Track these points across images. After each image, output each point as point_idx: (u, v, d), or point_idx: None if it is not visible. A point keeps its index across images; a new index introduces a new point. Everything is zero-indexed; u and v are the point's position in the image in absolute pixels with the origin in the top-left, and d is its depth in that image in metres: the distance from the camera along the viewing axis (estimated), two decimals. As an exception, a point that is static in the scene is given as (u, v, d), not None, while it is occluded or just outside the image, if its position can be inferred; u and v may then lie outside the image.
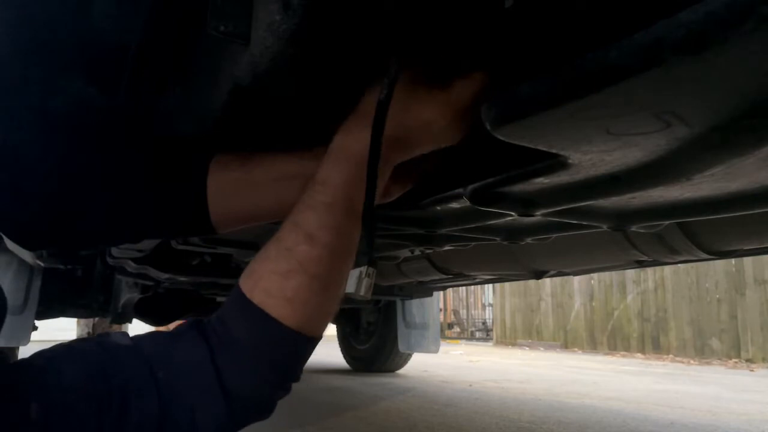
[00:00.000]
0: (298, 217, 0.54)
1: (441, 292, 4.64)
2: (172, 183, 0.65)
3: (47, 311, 2.77)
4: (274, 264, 0.53)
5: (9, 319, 2.44)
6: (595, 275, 6.95)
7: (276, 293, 0.52)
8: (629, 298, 6.64)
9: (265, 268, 0.53)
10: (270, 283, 0.52)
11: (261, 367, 0.52)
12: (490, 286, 9.39)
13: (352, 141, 0.55)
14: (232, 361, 0.52)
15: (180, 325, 0.55)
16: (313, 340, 0.55)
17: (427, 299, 3.12)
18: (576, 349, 7.17)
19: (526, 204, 0.69)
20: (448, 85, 0.55)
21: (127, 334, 0.55)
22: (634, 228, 0.79)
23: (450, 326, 10.45)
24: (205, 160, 0.65)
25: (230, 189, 0.65)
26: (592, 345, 7.06)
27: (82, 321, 4.54)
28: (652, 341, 6.31)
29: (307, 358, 0.57)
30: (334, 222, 0.53)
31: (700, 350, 5.79)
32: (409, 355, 3.61)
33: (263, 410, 0.55)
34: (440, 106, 0.55)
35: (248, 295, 0.52)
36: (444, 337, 8.91)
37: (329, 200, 0.53)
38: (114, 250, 1.60)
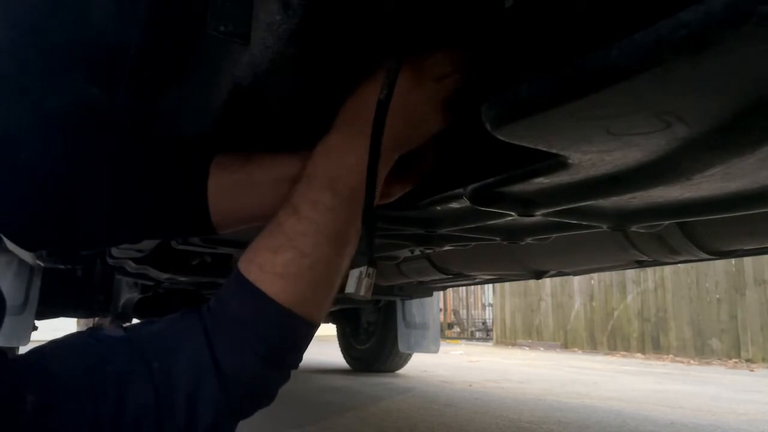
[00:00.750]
0: (290, 193, 0.56)
1: (441, 292, 4.64)
2: (173, 184, 0.65)
3: (47, 311, 2.77)
4: (266, 239, 0.54)
5: (9, 319, 2.44)
6: (595, 275, 6.95)
7: (268, 269, 0.52)
8: (629, 298, 6.64)
9: (259, 244, 0.54)
10: (263, 258, 0.53)
11: (252, 342, 0.52)
12: (490, 286, 9.39)
13: (340, 136, 0.57)
14: (225, 336, 0.51)
15: (178, 312, 0.55)
16: (309, 324, 0.55)
17: (427, 299, 3.12)
18: (576, 349, 7.17)
19: (526, 204, 0.69)
20: (434, 75, 0.56)
21: (120, 326, 0.54)
22: (634, 228, 0.79)
23: (450, 326, 10.45)
24: (205, 161, 0.65)
25: (231, 190, 0.65)
26: (592, 345, 7.07)
27: (82, 321, 4.54)
28: (652, 341, 6.31)
29: (304, 344, 0.56)
30: (314, 196, 0.54)
31: (700, 350, 5.79)
32: (409, 355, 3.61)
33: (259, 393, 0.55)
34: (428, 95, 0.57)
35: (244, 273, 0.53)
36: (444, 337, 8.91)
37: (309, 171, 0.55)
38: (114, 250, 1.60)
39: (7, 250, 2.37)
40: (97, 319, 3.97)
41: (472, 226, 0.91)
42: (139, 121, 0.81)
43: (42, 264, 2.27)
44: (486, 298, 10.17)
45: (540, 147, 0.48)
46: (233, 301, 0.53)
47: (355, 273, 0.55)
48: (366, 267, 0.54)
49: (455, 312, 10.67)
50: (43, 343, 0.52)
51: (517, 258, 1.43)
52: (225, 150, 0.67)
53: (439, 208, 0.82)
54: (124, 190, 0.65)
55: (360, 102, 0.57)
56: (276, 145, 0.68)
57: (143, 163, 0.66)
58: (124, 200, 0.65)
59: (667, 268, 6.04)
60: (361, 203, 0.54)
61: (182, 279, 1.90)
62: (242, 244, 1.32)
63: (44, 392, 0.46)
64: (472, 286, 9.29)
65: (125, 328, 0.54)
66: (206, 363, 0.50)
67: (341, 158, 0.55)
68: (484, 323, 10.16)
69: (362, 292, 0.54)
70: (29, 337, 2.51)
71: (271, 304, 0.52)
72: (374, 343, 3.60)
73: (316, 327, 0.56)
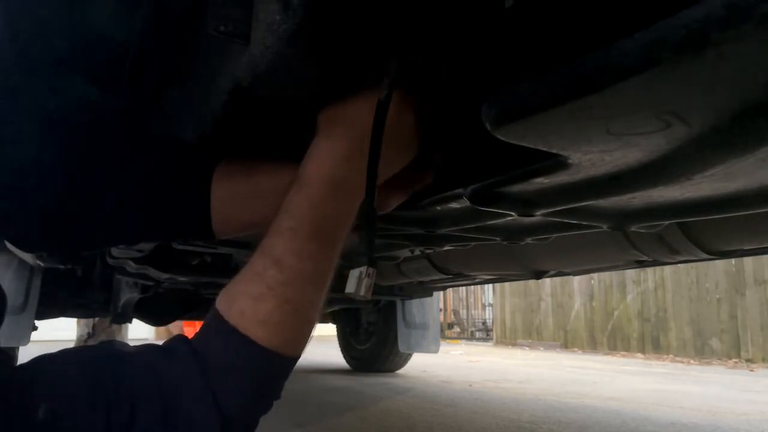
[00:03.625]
0: (265, 243, 0.55)
1: (441, 292, 4.64)
2: (175, 190, 0.65)
3: (47, 311, 2.76)
4: (245, 286, 0.54)
5: (9, 319, 2.43)
6: (595, 275, 6.95)
7: (249, 315, 0.52)
8: (629, 298, 6.63)
9: (238, 290, 0.54)
10: (244, 304, 0.52)
11: (245, 386, 0.53)
12: (490, 286, 9.39)
13: (315, 164, 0.56)
14: (222, 383, 0.51)
15: (169, 340, 0.55)
16: (292, 359, 0.55)
17: (427, 299, 3.12)
18: (576, 349, 7.16)
19: (526, 204, 0.69)
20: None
21: (128, 345, 0.55)
22: (634, 228, 0.79)
23: (450, 326, 10.44)
24: (208, 168, 0.65)
25: (234, 199, 0.65)
26: (592, 345, 7.06)
27: (82, 321, 4.53)
28: (652, 341, 6.31)
29: (287, 376, 0.57)
30: (299, 247, 0.53)
31: (700, 350, 5.79)
32: (409, 355, 3.61)
33: (247, 424, 0.56)
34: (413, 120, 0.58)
35: (225, 316, 0.53)
36: (444, 337, 8.90)
37: (293, 225, 0.54)
38: (114, 250, 1.60)
39: (7, 250, 2.37)
40: (97, 319, 3.97)
41: (472, 226, 0.91)
42: (139, 121, 0.81)
43: (42, 264, 2.27)
44: (486, 298, 10.17)
45: (540, 147, 0.48)
46: (218, 345, 0.53)
47: (355, 273, 0.55)
48: (366, 267, 0.54)
49: (455, 312, 10.66)
50: (48, 345, 0.52)
51: (517, 258, 1.43)
52: (226, 151, 0.67)
53: (439, 208, 0.82)
54: (124, 192, 0.65)
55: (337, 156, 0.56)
56: (276, 146, 0.68)
57: (144, 164, 0.66)
58: (124, 202, 0.65)
59: (667, 268, 6.04)
60: (340, 247, 0.56)
61: (182, 279, 1.90)
62: (242, 245, 1.32)
63: (57, 401, 0.46)
64: (472, 286, 9.29)
65: (133, 347, 0.54)
66: (206, 398, 0.50)
67: (325, 209, 0.55)
68: (484, 323, 10.15)
69: (362, 292, 0.54)
70: (29, 337, 2.51)
71: (256, 349, 0.52)
72: (374, 343, 3.60)
73: (299, 357, 0.57)
